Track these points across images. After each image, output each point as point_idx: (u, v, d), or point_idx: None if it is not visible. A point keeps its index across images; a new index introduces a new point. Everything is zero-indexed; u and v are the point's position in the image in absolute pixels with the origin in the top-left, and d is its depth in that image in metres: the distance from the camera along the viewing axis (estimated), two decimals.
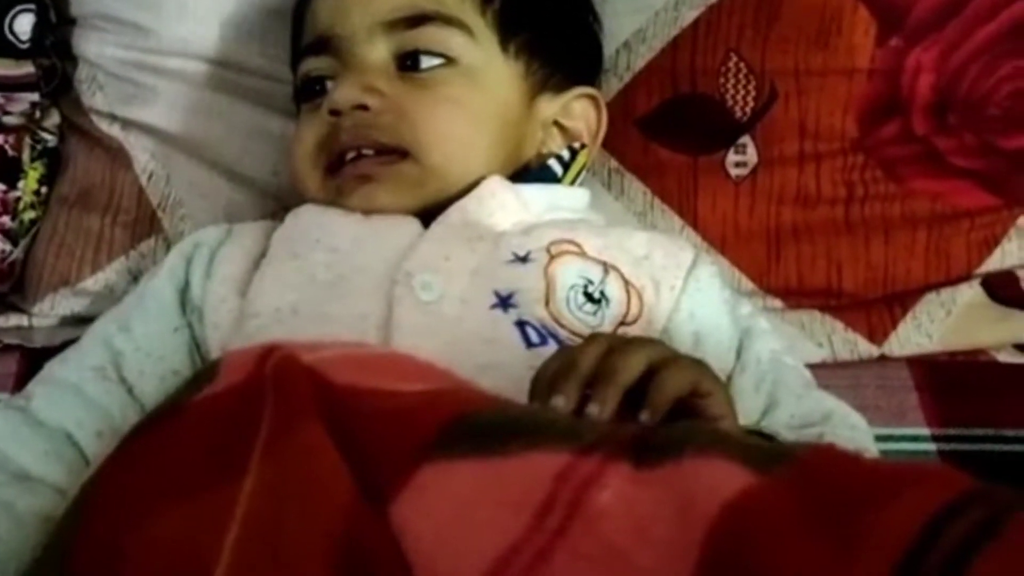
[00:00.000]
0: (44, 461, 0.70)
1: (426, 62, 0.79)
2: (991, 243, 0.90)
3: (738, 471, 0.44)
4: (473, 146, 0.78)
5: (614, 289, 0.73)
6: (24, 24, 0.92)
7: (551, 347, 0.69)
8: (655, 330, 0.74)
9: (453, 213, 0.75)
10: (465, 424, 0.49)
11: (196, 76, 0.96)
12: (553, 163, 0.82)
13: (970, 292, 0.89)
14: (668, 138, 0.92)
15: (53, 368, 0.77)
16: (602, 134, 0.86)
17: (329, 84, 0.81)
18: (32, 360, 0.90)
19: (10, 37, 0.92)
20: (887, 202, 0.90)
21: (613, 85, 0.93)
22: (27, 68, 0.93)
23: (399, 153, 0.77)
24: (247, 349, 0.59)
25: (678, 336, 0.74)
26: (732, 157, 0.91)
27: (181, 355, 0.77)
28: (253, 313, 0.73)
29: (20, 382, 0.88)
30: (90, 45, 0.97)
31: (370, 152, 0.77)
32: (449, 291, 0.71)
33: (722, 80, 0.91)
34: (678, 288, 0.76)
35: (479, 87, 0.79)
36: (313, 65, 0.82)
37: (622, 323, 0.73)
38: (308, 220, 0.78)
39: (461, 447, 0.48)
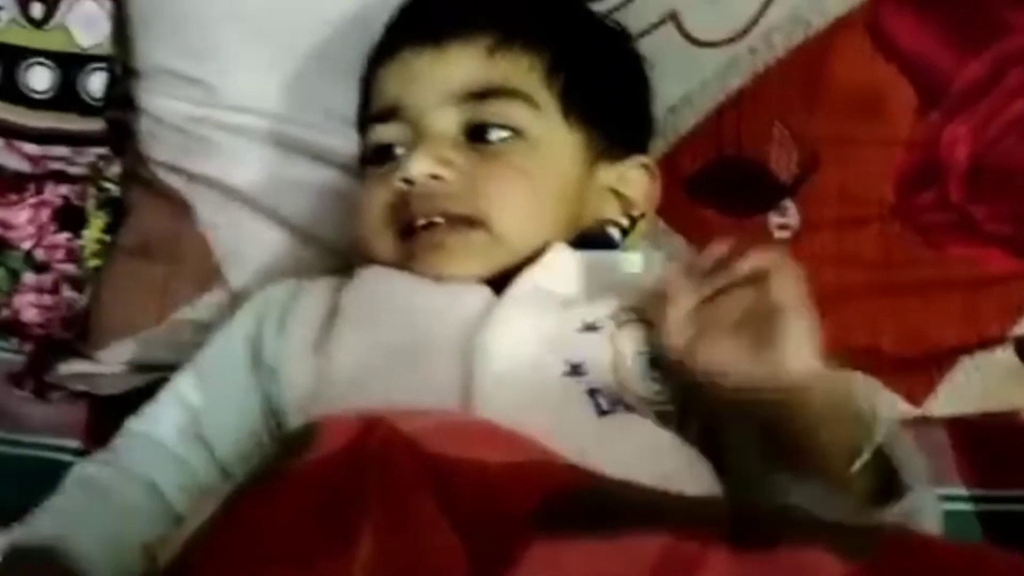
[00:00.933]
0: (137, 512, 0.74)
1: (494, 134, 0.82)
2: (1023, 308, 0.94)
3: (833, 562, 0.47)
4: (539, 215, 0.82)
5: None
6: (96, 83, 0.96)
7: (621, 414, 0.72)
8: None
9: (523, 282, 0.78)
10: (572, 500, 0.52)
11: (258, 131, 0.99)
12: (613, 231, 0.86)
13: (1003, 356, 0.92)
14: (713, 199, 0.96)
15: (133, 425, 0.80)
16: (656, 201, 0.89)
17: (398, 151, 0.84)
18: (100, 408, 0.93)
19: (84, 96, 0.96)
20: (924, 267, 0.93)
21: (659, 146, 0.96)
22: (98, 125, 0.97)
23: (469, 222, 0.80)
24: (345, 417, 0.62)
25: None
26: (775, 219, 0.95)
27: (255, 414, 0.80)
28: (333, 378, 0.76)
29: (90, 430, 0.91)
30: (153, 98, 1.00)
31: (441, 220, 0.80)
32: (523, 358, 0.74)
33: (766, 146, 0.95)
34: None
35: (544, 158, 0.83)
36: (383, 133, 0.85)
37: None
38: (380, 285, 0.81)
39: (570, 525, 0.51)
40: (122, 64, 1.00)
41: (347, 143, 0.96)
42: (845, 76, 0.93)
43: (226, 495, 0.62)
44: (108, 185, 1.01)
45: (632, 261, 0.85)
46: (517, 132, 0.82)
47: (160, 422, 0.80)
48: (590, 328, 0.76)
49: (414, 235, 0.81)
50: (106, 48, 0.96)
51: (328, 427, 0.62)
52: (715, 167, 0.96)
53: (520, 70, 0.83)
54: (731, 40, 0.95)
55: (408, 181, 0.81)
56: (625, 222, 0.86)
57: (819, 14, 0.92)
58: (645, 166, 0.89)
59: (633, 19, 0.95)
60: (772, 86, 0.94)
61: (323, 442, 0.60)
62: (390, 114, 0.85)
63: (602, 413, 0.72)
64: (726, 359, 0.66)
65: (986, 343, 0.93)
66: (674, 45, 0.96)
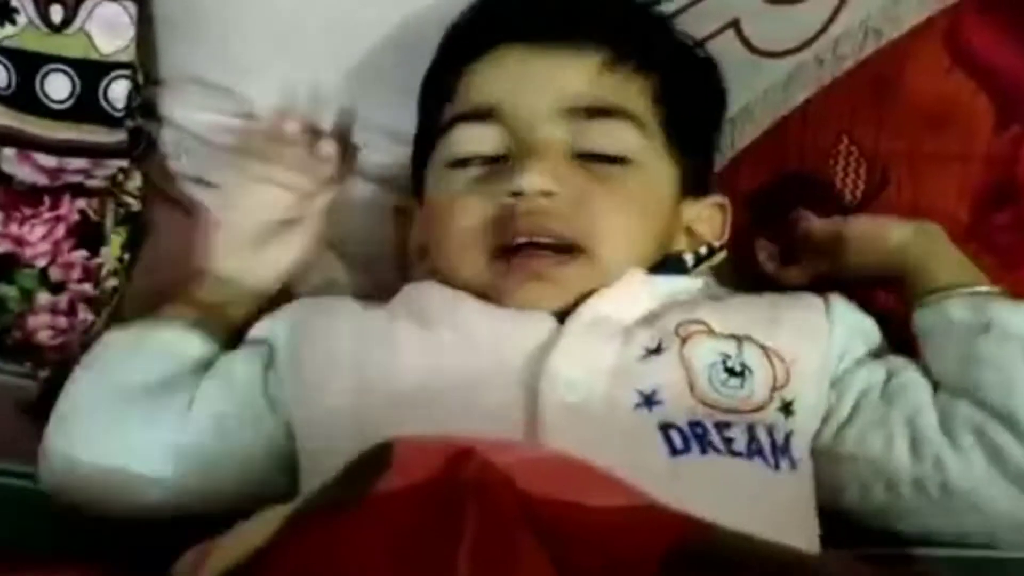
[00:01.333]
0: None
1: (605, 154, 0.78)
2: None
3: None
4: (641, 244, 0.78)
5: (753, 358, 0.73)
6: (119, 91, 0.89)
7: (694, 455, 0.68)
8: (816, 381, 0.74)
9: (587, 310, 0.74)
10: (695, 555, 0.49)
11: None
12: (688, 258, 0.82)
13: None
14: (774, 218, 0.91)
15: None
16: (726, 238, 0.85)
17: (493, 156, 0.78)
18: None
19: (105, 105, 0.89)
20: None
21: (716, 161, 0.91)
22: (120, 136, 0.91)
23: (572, 250, 0.75)
24: (425, 443, 0.57)
25: (842, 364, 0.76)
26: None
27: (261, 420, 0.77)
28: (383, 392, 0.71)
29: None
30: (177, 108, 0.96)
31: (546, 240, 0.75)
32: (593, 391, 0.70)
33: (832, 162, 0.90)
34: (824, 328, 0.76)
35: (648, 185, 0.79)
36: (475, 134, 0.79)
37: (774, 388, 0.72)
38: (437, 302, 0.76)
39: None
40: (145, 71, 0.95)
41: (383, 156, 0.92)
42: (919, 88, 0.87)
43: (293, 513, 0.56)
44: (129, 199, 0.95)
45: (693, 281, 0.82)
46: (627, 155, 0.78)
47: None
48: (653, 352, 0.72)
49: (511, 255, 0.75)
50: (129, 54, 0.90)
51: (404, 452, 0.57)
52: (777, 184, 0.91)
53: (631, 91, 0.80)
54: (795, 50, 0.90)
55: (516, 194, 0.75)
56: (704, 251, 0.83)
57: (892, 24, 0.87)
58: (721, 206, 0.86)
59: (693, 25, 0.89)
60: (839, 98, 0.89)
61: (402, 467, 0.56)
62: (485, 115, 0.79)
63: (674, 452, 0.68)
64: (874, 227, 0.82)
65: None
66: (734, 54, 0.90)
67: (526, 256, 0.75)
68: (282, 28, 0.91)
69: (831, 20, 0.88)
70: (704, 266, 0.83)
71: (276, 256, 0.83)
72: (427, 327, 0.74)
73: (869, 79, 0.88)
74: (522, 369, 0.70)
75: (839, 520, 0.73)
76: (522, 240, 0.75)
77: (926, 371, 0.77)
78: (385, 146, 0.92)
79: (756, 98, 0.91)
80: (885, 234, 0.81)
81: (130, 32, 0.89)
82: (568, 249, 0.75)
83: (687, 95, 0.83)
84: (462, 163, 0.80)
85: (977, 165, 0.88)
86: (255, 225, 0.83)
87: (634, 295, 0.76)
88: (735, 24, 0.90)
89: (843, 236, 0.82)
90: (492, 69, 0.80)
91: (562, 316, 0.74)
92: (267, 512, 0.58)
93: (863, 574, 0.49)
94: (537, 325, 0.73)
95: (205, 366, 0.79)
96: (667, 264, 0.80)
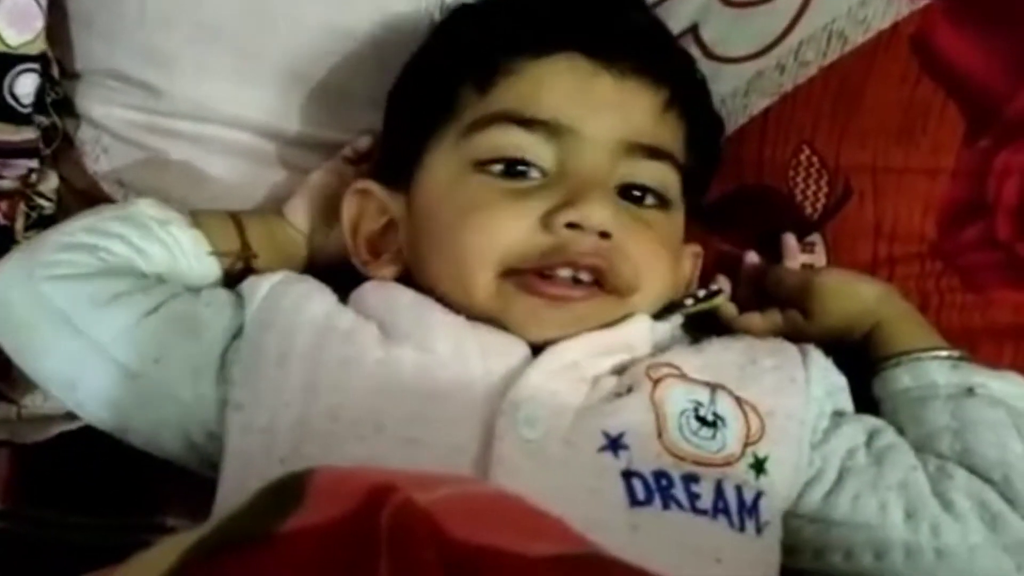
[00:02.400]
0: None
1: (649, 199, 0.74)
2: None
3: None
4: (667, 291, 0.75)
5: (726, 408, 0.69)
6: (26, 86, 0.83)
7: (655, 508, 0.63)
8: (795, 441, 0.70)
9: (572, 346, 0.69)
10: None
11: (212, 141, 0.88)
12: (688, 302, 0.79)
13: None
14: (731, 232, 0.86)
15: None
16: (693, 285, 0.82)
17: (532, 172, 0.72)
18: (23, 460, 0.81)
19: (10, 100, 0.83)
20: (964, 312, 0.83)
21: None
22: (28, 134, 0.84)
23: (616, 291, 0.71)
24: (345, 475, 0.52)
25: (819, 422, 0.72)
26: (801, 257, 0.84)
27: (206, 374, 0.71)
28: (328, 413, 0.66)
29: (11, 485, 0.80)
30: (96, 104, 0.89)
31: (586, 278, 0.70)
32: (554, 429, 0.65)
33: (792, 174, 0.84)
34: (801, 379, 0.72)
35: (676, 232, 0.77)
36: (521, 141, 0.71)
37: (747, 443, 0.68)
38: (404, 310, 0.71)
39: None
40: (59, 65, 0.88)
41: (315, 155, 0.87)
42: (885, 96, 0.82)
43: (193, 546, 0.49)
44: (42, 202, 0.88)
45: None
46: (665, 203, 0.75)
47: None
48: (623, 393, 0.68)
49: (542, 278, 0.69)
50: (38, 47, 0.83)
51: (320, 485, 0.51)
52: (734, 197, 0.86)
53: (677, 136, 0.76)
54: (755, 55, 0.84)
55: (573, 225, 0.69)
56: (701, 294, 0.80)
57: (858, 27, 0.82)
58: (697, 255, 0.82)
59: None
60: (801, 107, 0.84)
61: (316, 501, 0.50)
62: (539, 125, 0.72)
63: (634, 503, 0.63)
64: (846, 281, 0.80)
65: None
66: None
67: (563, 285, 0.69)
68: (203, 20, 0.85)
69: (794, 24, 0.83)
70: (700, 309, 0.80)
71: (334, 233, 0.80)
72: (390, 338, 0.69)
73: (833, 87, 0.83)
74: (483, 396, 0.66)
75: None
76: (565, 273, 0.70)
77: (899, 430, 0.74)
78: (312, 145, 0.87)
79: (714, 106, 0.85)
80: (857, 290, 0.79)
81: (39, 22, 0.83)
82: (601, 286, 0.71)
83: (706, 144, 0.79)
84: (492, 168, 0.72)
85: (945, 179, 0.83)
86: (326, 193, 0.82)
87: (632, 340, 0.72)
88: (693, 29, 0.86)
89: (813, 287, 0.79)
90: (554, 77, 0.72)
91: (536, 347, 0.69)
92: (167, 543, 0.52)
93: None
94: (508, 348, 0.68)
95: (195, 291, 0.74)
96: (668, 309, 0.77)
